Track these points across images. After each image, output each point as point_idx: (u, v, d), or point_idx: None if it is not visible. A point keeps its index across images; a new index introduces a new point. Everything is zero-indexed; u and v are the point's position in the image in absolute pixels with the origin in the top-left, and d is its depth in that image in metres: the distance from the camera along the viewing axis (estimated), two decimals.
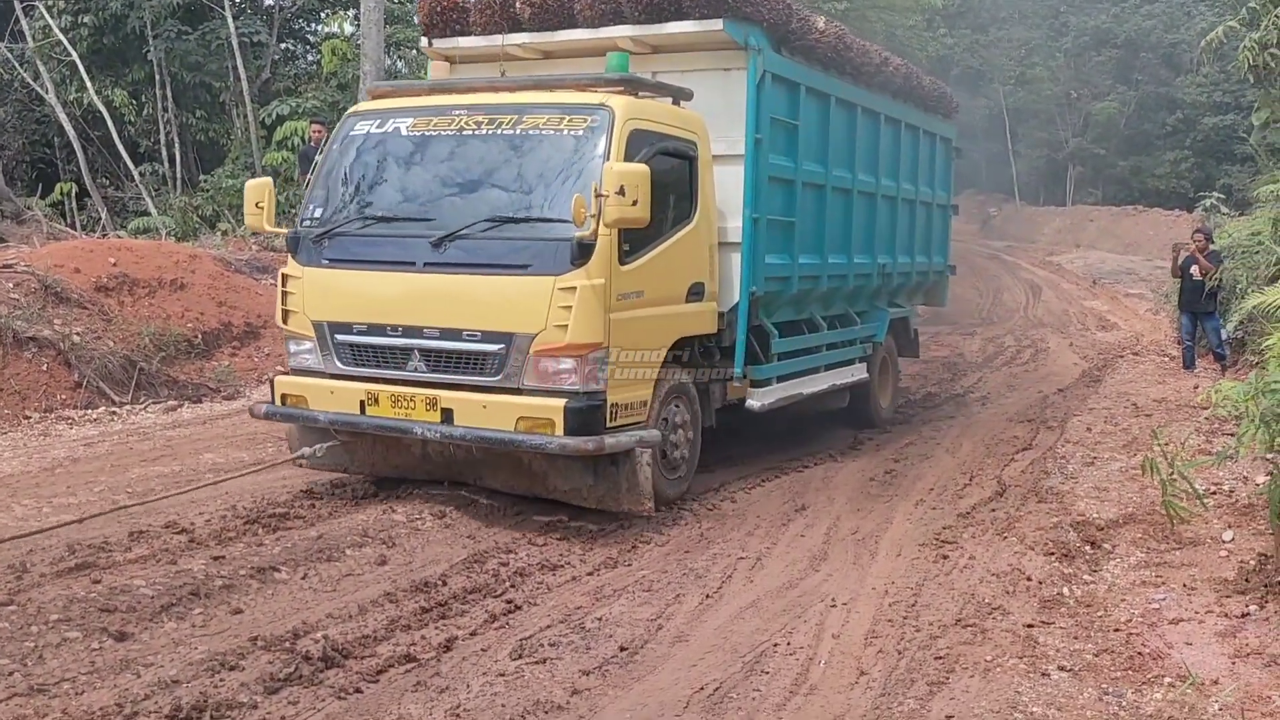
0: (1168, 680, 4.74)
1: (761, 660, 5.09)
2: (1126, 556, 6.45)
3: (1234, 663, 4.91)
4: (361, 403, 7.19)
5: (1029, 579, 6.07)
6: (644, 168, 6.72)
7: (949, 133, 12.49)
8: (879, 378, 10.97)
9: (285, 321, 7.62)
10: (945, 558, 6.55)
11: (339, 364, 7.36)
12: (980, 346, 18.39)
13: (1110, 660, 5.00)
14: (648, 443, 7.09)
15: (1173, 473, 6.76)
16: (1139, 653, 5.04)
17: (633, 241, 7.00)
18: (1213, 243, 13.83)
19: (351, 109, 8.15)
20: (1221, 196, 24.24)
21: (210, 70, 22.34)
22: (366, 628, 5.40)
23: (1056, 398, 12.65)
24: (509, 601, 5.84)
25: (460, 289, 7.01)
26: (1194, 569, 6.14)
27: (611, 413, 6.88)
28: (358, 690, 4.74)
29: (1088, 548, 6.61)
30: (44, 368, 10.42)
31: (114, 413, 10.41)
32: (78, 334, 10.81)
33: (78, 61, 20.80)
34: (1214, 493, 7.46)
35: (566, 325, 6.67)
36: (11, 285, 11.00)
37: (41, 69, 21.20)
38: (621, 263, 6.92)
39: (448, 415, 6.95)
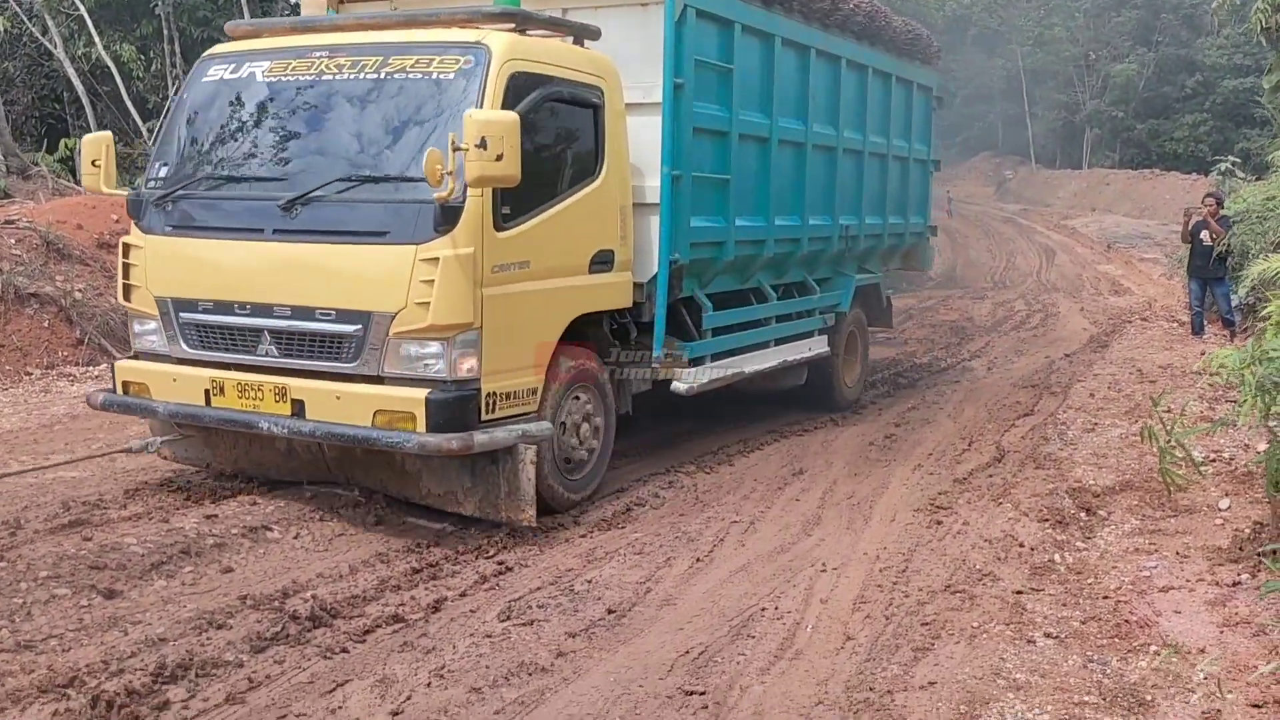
0: (1153, 648, 4.72)
1: (748, 624, 5.09)
2: (1121, 524, 6.42)
3: (1222, 631, 4.88)
4: (206, 392, 6.29)
5: (1021, 545, 6.05)
6: (512, 116, 5.71)
7: (929, 80, 11.35)
8: (843, 351, 9.97)
9: (127, 298, 6.69)
10: (939, 523, 6.53)
11: (185, 347, 6.42)
12: (990, 310, 18.30)
13: (1097, 628, 4.98)
14: (534, 437, 6.17)
15: (1170, 440, 6.72)
16: (1126, 620, 5.02)
17: (515, 203, 6.07)
18: (1224, 208, 13.66)
19: (207, 52, 7.05)
20: (1238, 160, 23.90)
21: (219, 25, 22.18)
22: (356, 588, 5.42)
23: (1063, 363, 12.58)
24: (500, 563, 5.85)
25: (313, 260, 6.07)
26: (1188, 537, 6.11)
27: (488, 404, 6.00)
28: (344, 650, 4.76)
29: (1083, 514, 6.58)
30: (45, 324, 10.47)
31: None
32: (79, 290, 10.84)
33: (86, 16, 20.70)
34: (1213, 460, 7.41)
35: (429, 303, 5.75)
36: (14, 241, 11.02)
37: (50, 23, 21.12)
38: (499, 228, 5.98)
39: (299, 408, 6.05)
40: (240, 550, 5.79)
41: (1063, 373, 11.83)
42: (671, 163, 7.11)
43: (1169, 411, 7.78)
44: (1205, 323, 13.70)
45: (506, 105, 5.99)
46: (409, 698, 4.31)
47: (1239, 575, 5.44)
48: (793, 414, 9.64)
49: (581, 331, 6.81)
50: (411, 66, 6.20)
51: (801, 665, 4.66)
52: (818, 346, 9.36)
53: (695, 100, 7.32)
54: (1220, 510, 6.49)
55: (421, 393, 5.83)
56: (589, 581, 5.57)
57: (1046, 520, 6.46)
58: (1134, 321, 15.75)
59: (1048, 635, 4.91)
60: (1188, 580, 5.49)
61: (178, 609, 5.05)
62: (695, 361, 7.60)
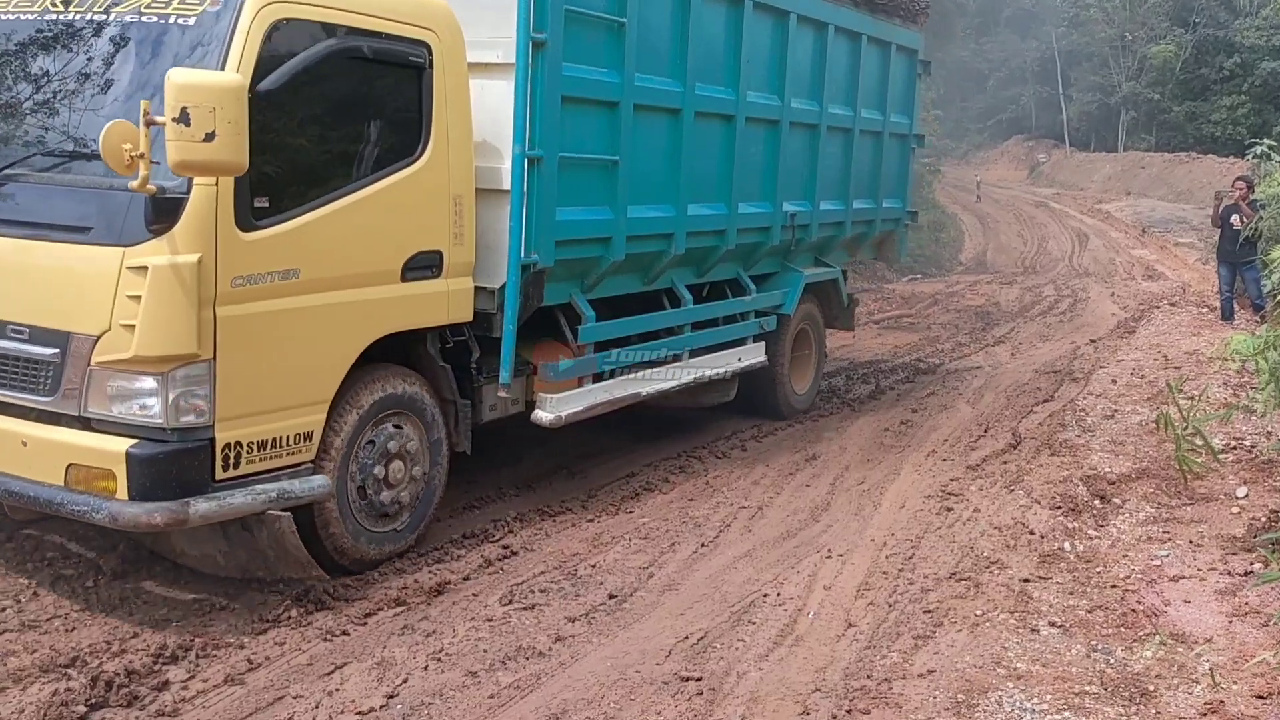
0: (1159, 638, 4.65)
1: (750, 610, 5.07)
2: (1135, 512, 6.33)
3: (1230, 621, 4.82)
4: None
5: (1031, 533, 5.99)
6: (230, 82, 4.29)
7: (911, 41, 9.72)
8: (789, 356, 8.73)
9: None
10: (949, 510, 6.47)
11: None
12: (1018, 296, 18.09)
13: (1103, 617, 4.93)
14: (294, 498, 4.88)
15: (1188, 427, 6.62)
16: (1134, 610, 4.96)
17: (276, 194, 4.76)
18: (1255, 191, 13.42)
19: None
20: (1274, 144, 23.50)
21: None
22: (360, 572, 5.44)
23: (1088, 349, 12.43)
24: (505, 547, 5.85)
25: (9, 259, 4.76)
26: (1203, 525, 6.02)
27: (227, 458, 4.65)
28: (345, 633, 4.78)
29: (1096, 502, 6.50)
30: None
31: None
32: None
33: None
34: (1234, 448, 7.30)
35: (135, 325, 4.42)
36: None
37: None
38: (246, 227, 4.62)
39: None
40: None
41: (1087, 358, 11.69)
42: (525, 141, 5.70)
43: (1189, 398, 7.67)
44: (1236, 308, 13.49)
45: (267, 64, 4.66)
46: (405, 680, 4.32)
47: (1251, 564, 5.37)
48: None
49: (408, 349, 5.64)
50: (146, 7, 4.82)
51: (801, 652, 4.64)
52: (751, 356, 8.14)
53: (565, 62, 5.89)
54: (1237, 498, 6.40)
55: (124, 444, 4.48)
56: (593, 566, 5.56)
57: (1059, 508, 6.39)
58: (1162, 307, 15.53)
59: (1052, 624, 4.86)
60: (1199, 569, 5.42)
61: (181, 591, 5.10)
62: (565, 385, 6.38)
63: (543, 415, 6.28)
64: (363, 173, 5.22)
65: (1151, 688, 4.26)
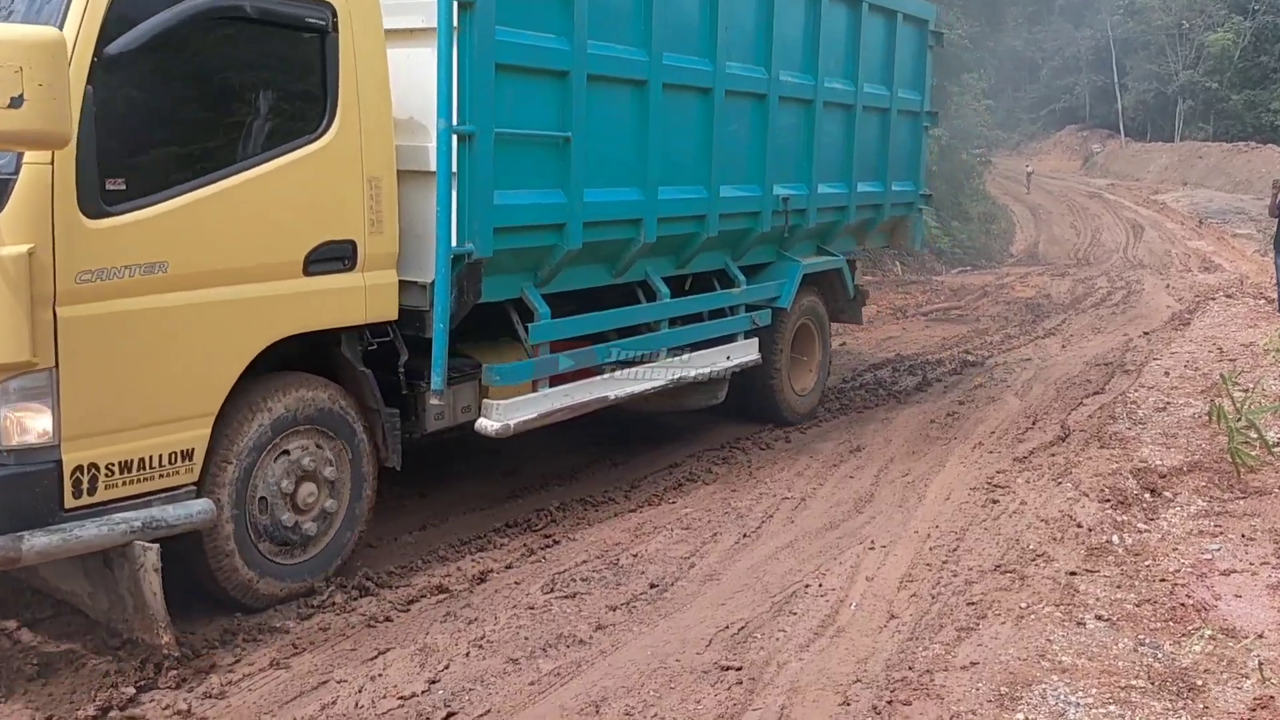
0: (1208, 632, 4.57)
1: (791, 601, 5.05)
2: (1186, 505, 6.22)
3: None
4: None
5: (1079, 526, 5.90)
6: (45, 37, 3.61)
7: (921, 11, 9.14)
8: (787, 354, 8.12)
9: None
10: (995, 502, 6.40)
11: None
12: (1070, 287, 17.85)
13: (1152, 611, 4.85)
14: (167, 527, 4.23)
15: (1241, 419, 6.49)
16: (1183, 604, 4.87)
17: (135, 174, 4.17)
18: None
19: None
20: None
21: None
22: (403, 558, 5.50)
23: (1140, 341, 12.22)
24: (548, 536, 5.88)
25: None
26: (1256, 519, 5.90)
27: (79, 482, 4.04)
28: (388, 619, 4.83)
29: (1146, 495, 6.39)
30: None
31: None
32: None
33: None
34: None
35: None
36: None
37: None
38: (93, 213, 4.01)
39: None
40: None
41: (1139, 351, 11.49)
42: (452, 115, 5.04)
43: (1244, 390, 7.51)
44: None
45: (118, 23, 4.04)
46: (447, 666, 4.36)
47: None
48: (855, 391, 9.51)
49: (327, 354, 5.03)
50: None
51: (842, 643, 4.61)
52: (742, 354, 7.47)
53: (499, 25, 5.24)
54: None
55: None
56: (634, 555, 5.57)
57: (1108, 501, 6.29)
58: (1218, 299, 15.23)
59: (1099, 618, 4.79)
60: (1251, 564, 5.31)
61: None
62: (516, 389, 5.81)
63: (487, 424, 5.62)
64: (250, 151, 4.55)
65: (1200, 682, 4.19)
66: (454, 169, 5.09)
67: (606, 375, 6.35)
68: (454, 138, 5.07)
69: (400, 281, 5.17)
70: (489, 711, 4.03)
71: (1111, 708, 4.01)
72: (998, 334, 13.04)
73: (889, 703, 4.07)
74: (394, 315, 5.15)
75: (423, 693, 4.14)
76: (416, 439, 5.57)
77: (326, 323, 4.89)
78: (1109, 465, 6.96)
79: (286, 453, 4.82)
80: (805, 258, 8.14)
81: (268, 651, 4.48)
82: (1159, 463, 6.97)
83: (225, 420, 4.55)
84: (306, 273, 4.75)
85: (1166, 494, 6.43)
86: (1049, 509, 6.21)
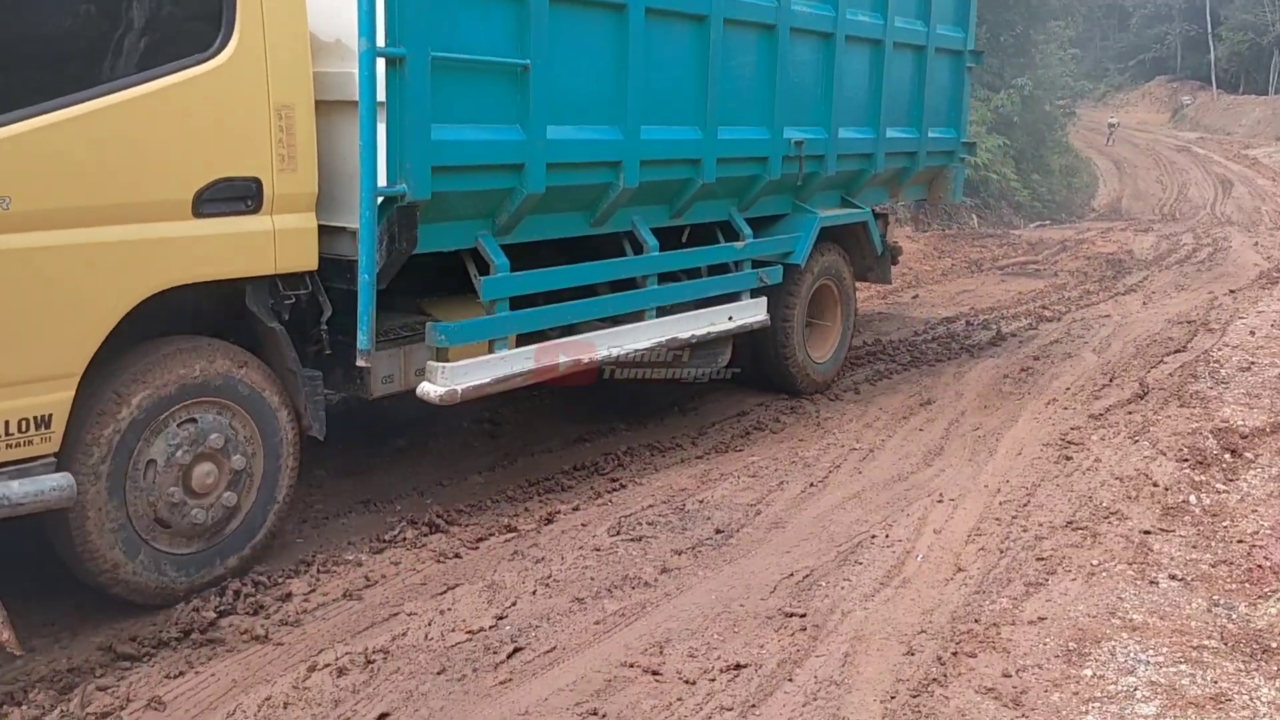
0: None
1: (857, 551, 5.04)
2: (1269, 466, 6.06)
3: None
4: None
5: (1155, 485, 5.78)
6: None
7: None
8: (802, 317, 7.41)
9: None
10: (1068, 459, 6.30)
11: None
12: (1154, 243, 17.36)
13: (1227, 571, 4.75)
14: (9, 505, 3.70)
15: None
16: (1260, 565, 4.76)
17: None
18: None
19: None
20: None
21: None
22: (473, 497, 5.58)
23: (1226, 299, 11.86)
24: (614, 480, 5.93)
25: None
26: None
27: None
28: (457, 555, 4.92)
29: (1226, 455, 6.24)
30: None
31: None
32: None
33: None
34: None
35: None
36: None
37: None
38: None
39: None
40: (366, 457, 6.02)
41: (1224, 309, 11.16)
42: (374, 34, 4.38)
43: None
44: None
45: None
46: (514, 603, 4.43)
47: None
48: (926, 344, 9.38)
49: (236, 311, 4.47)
50: None
51: (907, 593, 4.59)
52: (746, 314, 6.78)
53: None
54: None
55: None
56: (700, 501, 5.59)
57: (1186, 460, 6.15)
58: None
59: (1172, 577, 4.71)
60: None
61: (306, 509, 5.31)
62: (467, 351, 5.21)
63: (430, 389, 4.98)
64: (120, 70, 3.93)
65: (1275, 644, 4.10)
66: (381, 97, 4.44)
67: (581, 336, 5.73)
68: (380, 61, 4.42)
69: (329, 227, 4.63)
70: (554, 648, 4.09)
71: (1182, 666, 3.95)
72: (1076, 289, 12.75)
73: (953, 654, 4.06)
74: (312, 265, 4.54)
75: (490, 628, 4.22)
76: (365, 402, 5.13)
77: (223, 272, 4.26)
78: (1188, 424, 6.80)
79: (182, 425, 4.20)
80: (825, 210, 7.46)
81: (340, 583, 4.59)
82: (1241, 423, 6.79)
83: (98, 384, 3.99)
84: (197, 214, 4.12)
85: (1247, 455, 6.26)
86: (1124, 467, 6.09)
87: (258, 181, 4.30)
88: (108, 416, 4.02)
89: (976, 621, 4.32)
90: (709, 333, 6.47)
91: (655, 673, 3.92)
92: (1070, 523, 5.33)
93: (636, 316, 6.08)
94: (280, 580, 4.57)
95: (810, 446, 6.55)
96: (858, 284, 8.37)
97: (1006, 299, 11.87)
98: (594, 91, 5.51)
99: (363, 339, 4.57)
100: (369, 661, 3.94)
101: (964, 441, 6.67)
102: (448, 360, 5.06)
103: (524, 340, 5.52)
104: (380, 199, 4.53)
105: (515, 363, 5.33)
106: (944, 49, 8.24)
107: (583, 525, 5.29)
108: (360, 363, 4.64)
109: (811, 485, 5.87)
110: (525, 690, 3.80)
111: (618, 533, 5.18)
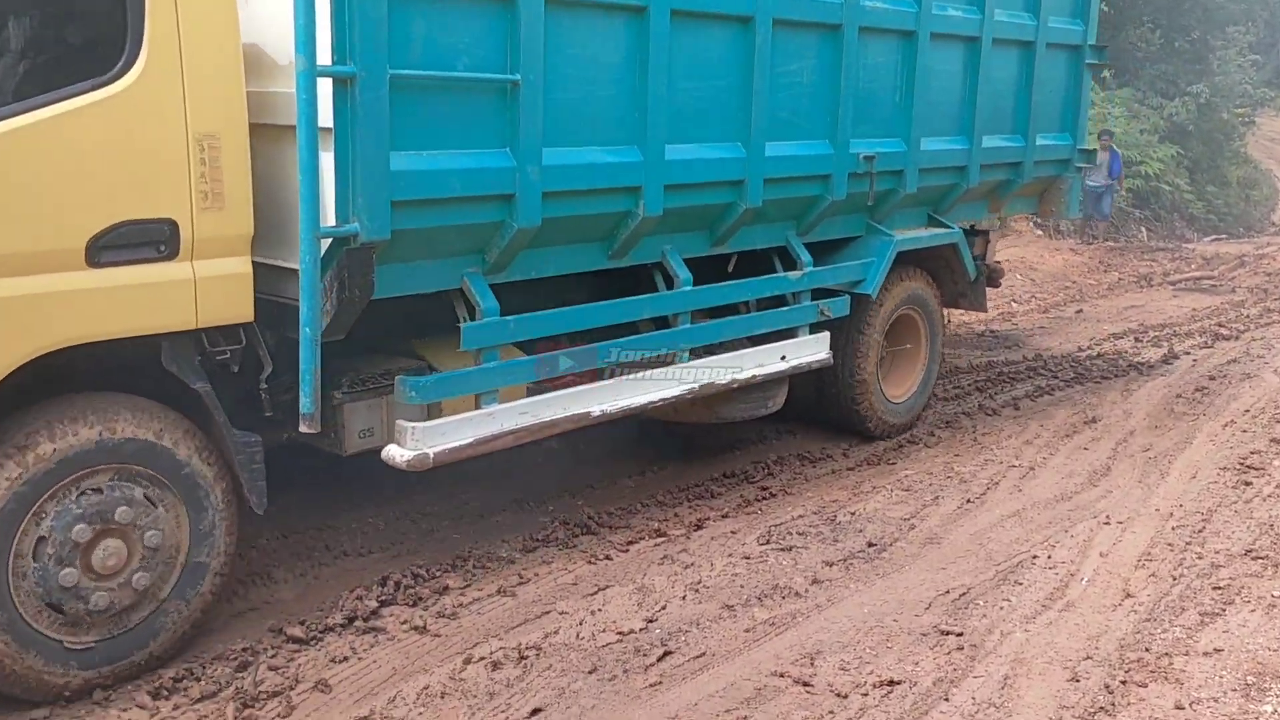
0: None
1: (1017, 571, 4.87)
2: None
3: None
4: None
5: None
6: None
7: None
8: (876, 355, 6.54)
9: None
10: (1247, 484, 5.95)
11: None
12: None
13: None
14: None
15: None
16: None
17: None
18: None
19: None
20: None
21: None
22: (623, 500, 5.62)
23: None
24: (764, 488, 5.89)
25: None
26: None
27: None
28: (607, 557, 4.97)
29: None
30: None
31: None
32: None
33: None
34: None
35: None
36: None
37: None
38: None
39: None
40: (527, 461, 6.15)
41: None
42: (314, 51, 3.67)
43: None
44: None
45: None
46: (664, 607, 4.44)
47: None
48: (1091, 360, 9.02)
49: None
50: None
51: (1071, 618, 4.41)
52: (803, 352, 5.98)
53: None
54: None
55: None
56: (852, 513, 5.50)
57: None
58: None
59: None
60: None
61: (460, 505, 5.45)
62: (443, 409, 4.52)
63: (395, 453, 4.32)
64: None
65: None
66: (323, 123, 3.76)
67: (591, 385, 5.00)
68: (325, 82, 3.75)
69: (282, 269, 4.03)
70: (704, 654, 4.08)
71: None
72: (1255, 307, 12.05)
73: (1122, 683, 3.88)
74: (246, 316, 3.92)
75: (640, 630, 4.24)
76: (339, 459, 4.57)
77: (129, 329, 3.65)
78: None
79: (79, 498, 3.61)
80: (905, 230, 6.59)
81: (495, 579, 4.69)
82: None
83: None
84: (92, 263, 3.53)
85: None
86: None
87: (172, 224, 3.68)
88: None
89: (1147, 650, 4.12)
90: (755, 376, 5.68)
91: (806, 684, 3.87)
92: (1249, 551, 5.03)
93: (664, 358, 5.33)
94: (437, 574, 4.70)
95: (966, 462, 6.37)
96: (950, 311, 7.53)
97: (1179, 315, 11.30)
98: (604, 107, 4.73)
99: (305, 402, 3.89)
100: (522, 657, 4.01)
101: (1133, 462, 6.37)
102: (423, 418, 4.43)
103: (534, 389, 4.88)
104: (328, 240, 3.88)
105: (505, 419, 4.61)
106: (1057, 44, 7.22)
107: (732, 533, 5.27)
108: (303, 428, 3.94)
109: (968, 501, 5.70)
110: (675, 694, 3.81)
111: (767, 541, 5.14)
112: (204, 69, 3.68)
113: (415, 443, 4.31)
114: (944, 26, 6.28)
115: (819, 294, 6.09)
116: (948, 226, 6.89)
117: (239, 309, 3.90)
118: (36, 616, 3.58)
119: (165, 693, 3.75)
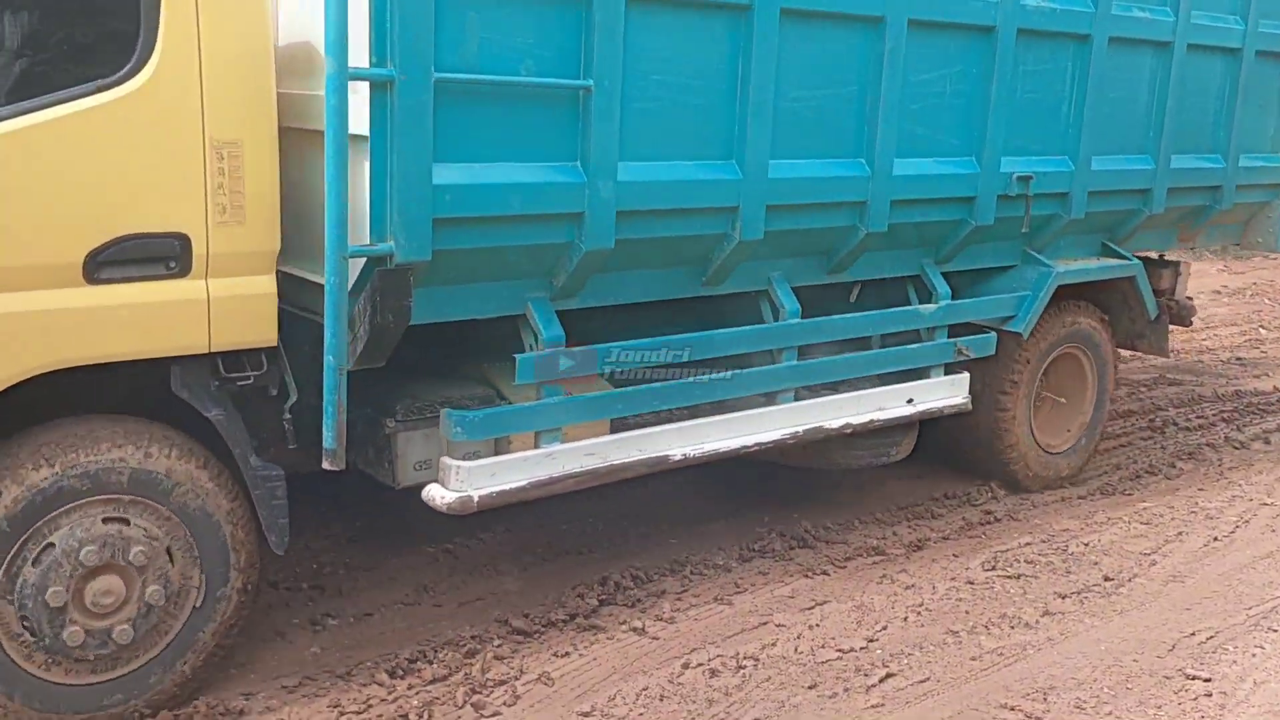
0: None
1: (1270, 616, 4.51)
2: None
3: None
4: None
5: None
6: None
7: None
8: (1029, 399, 5.85)
9: None
10: None
11: None
12: None
13: None
14: None
15: None
16: None
17: None
18: None
19: None
20: None
21: None
22: (840, 515, 5.53)
23: None
24: (987, 512, 5.68)
25: None
26: None
27: None
28: (824, 572, 4.89)
29: None
30: None
31: None
32: None
33: None
34: None
35: None
36: None
37: None
38: None
39: None
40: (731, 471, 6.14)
41: None
42: (345, 51, 3.29)
43: None
44: None
45: None
46: (884, 628, 4.33)
47: None
48: None
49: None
50: None
51: None
52: (935, 395, 5.36)
53: None
54: None
55: None
56: (1085, 544, 5.22)
57: None
58: None
59: None
60: None
61: (694, 525, 5.49)
62: (491, 449, 4.10)
63: (436, 495, 3.89)
64: None
65: None
66: (358, 130, 3.40)
67: (667, 426, 4.46)
68: (361, 86, 3.40)
69: (315, 283, 3.64)
70: (928, 679, 3.96)
71: None
72: None
73: None
74: (268, 339, 3.60)
75: (861, 649, 4.15)
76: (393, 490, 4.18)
77: (132, 351, 3.38)
78: None
79: (73, 531, 3.34)
80: (1070, 260, 5.84)
81: (711, 587, 4.69)
82: None
83: None
84: (91, 280, 3.27)
85: None
86: None
87: (183, 238, 3.38)
88: None
89: None
90: (873, 420, 5.07)
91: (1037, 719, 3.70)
92: None
93: (764, 399, 4.76)
94: (655, 577, 4.74)
95: (1212, 497, 5.94)
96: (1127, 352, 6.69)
97: None
98: (694, 117, 4.20)
99: (328, 437, 3.53)
100: (740, 666, 3.99)
101: None
102: (490, 452, 4.05)
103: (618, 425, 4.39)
104: (360, 260, 3.51)
105: (568, 461, 4.12)
106: (1269, 52, 6.26)
107: (954, 556, 5.10)
108: (326, 464, 3.58)
109: (1215, 539, 5.32)
110: (898, 717, 3.71)
111: (993, 567, 4.95)
112: (226, 70, 3.36)
113: (459, 484, 3.87)
114: (1127, 30, 5.51)
115: (960, 330, 5.47)
116: (1124, 257, 6.11)
117: (259, 332, 3.57)
118: (17, 649, 3.33)
119: (400, 672, 3.92)
